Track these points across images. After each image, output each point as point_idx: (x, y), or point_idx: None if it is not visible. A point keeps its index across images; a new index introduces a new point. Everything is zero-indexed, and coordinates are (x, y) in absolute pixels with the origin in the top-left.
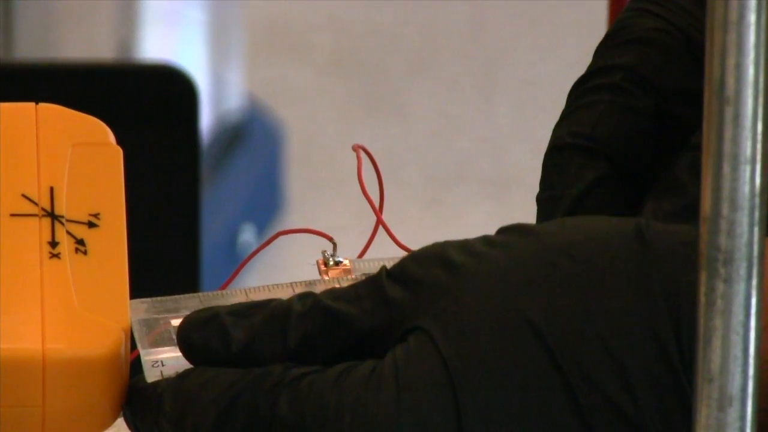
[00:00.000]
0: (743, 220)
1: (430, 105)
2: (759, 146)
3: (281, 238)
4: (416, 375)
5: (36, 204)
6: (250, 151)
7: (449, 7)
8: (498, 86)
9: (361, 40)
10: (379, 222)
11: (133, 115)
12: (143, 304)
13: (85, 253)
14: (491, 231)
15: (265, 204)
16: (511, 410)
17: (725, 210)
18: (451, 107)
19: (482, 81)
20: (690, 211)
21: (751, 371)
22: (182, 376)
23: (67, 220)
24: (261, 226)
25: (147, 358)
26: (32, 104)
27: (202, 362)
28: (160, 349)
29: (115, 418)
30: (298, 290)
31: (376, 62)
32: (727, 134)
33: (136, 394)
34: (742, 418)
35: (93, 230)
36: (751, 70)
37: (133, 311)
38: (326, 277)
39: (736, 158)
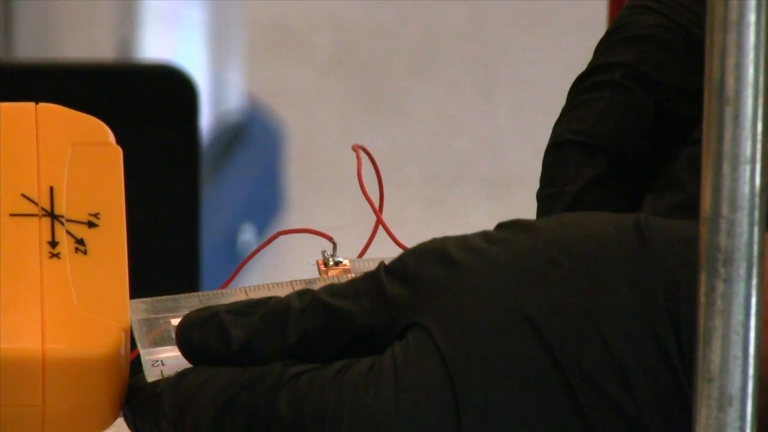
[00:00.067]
0: (743, 219)
1: (430, 105)
2: (759, 146)
3: (281, 238)
4: (415, 373)
5: (36, 204)
6: (250, 151)
7: (449, 7)
8: (498, 86)
9: (361, 40)
10: (379, 222)
11: (133, 115)
12: (143, 303)
13: (85, 252)
14: None
15: (265, 204)
16: (511, 409)
17: (725, 210)
18: (451, 107)
19: (482, 81)
20: (689, 206)
21: (751, 371)
22: (181, 376)
23: (67, 220)
24: (261, 226)
25: (147, 357)
26: (32, 104)
27: (201, 361)
28: (160, 348)
29: (115, 418)
30: (298, 289)
31: (376, 62)
32: (727, 134)
33: (135, 393)
34: (742, 418)
35: (93, 230)
36: (750, 70)
37: (133, 311)
38: (326, 277)
39: (736, 158)
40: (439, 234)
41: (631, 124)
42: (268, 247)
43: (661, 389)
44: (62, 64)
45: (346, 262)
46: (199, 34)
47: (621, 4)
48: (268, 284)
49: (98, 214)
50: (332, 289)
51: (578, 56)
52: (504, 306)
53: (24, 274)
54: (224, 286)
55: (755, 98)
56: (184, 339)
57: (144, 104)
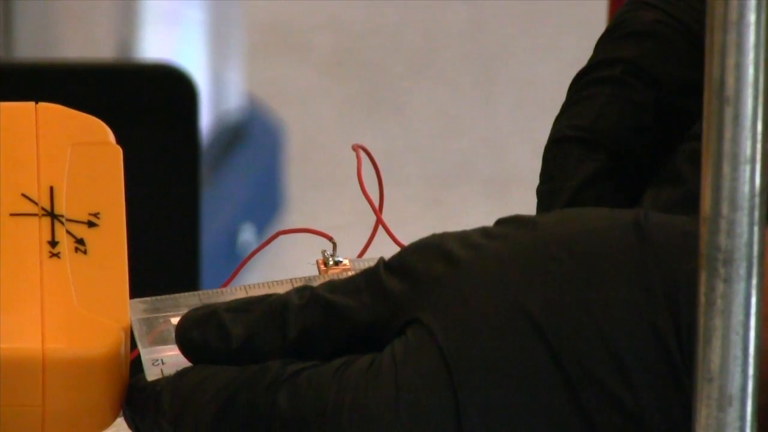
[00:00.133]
0: (743, 219)
1: (430, 105)
2: (759, 146)
3: (281, 237)
4: (415, 370)
5: (36, 203)
6: (250, 151)
7: (449, 8)
8: (498, 86)
9: (361, 40)
10: (379, 222)
11: (133, 115)
12: (143, 303)
13: (85, 252)
14: None
15: (264, 204)
16: (511, 406)
17: (725, 210)
18: (451, 107)
19: (482, 81)
20: (689, 201)
21: (750, 371)
22: (181, 375)
23: (67, 220)
24: (261, 225)
25: (147, 356)
26: (32, 104)
27: (201, 360)
28: (160, 347)
29: (115, 418)
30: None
31: (377, 62)
32: (727, 134)
33: (135, 393)
34: (742, 417)
35: (93, 230)
36: (750, 70)
37: (133, 311)
38: (326, 277)
39: (735, 158)
40: None
41: (631, 120)
42: (268, 247)
43: (661, 384)
44: (62, 64)
45: (346, 261)
46: (199, 34)
47: (621, 5)
48: (267, 282)
49: (98, 213)
50: (332, 286)
51: (578, 56)
52: (504, 302)
53: (24, 273)
54: (224, 285)
55: (755, 98)
56: (183, 338)
57: (144, 104)
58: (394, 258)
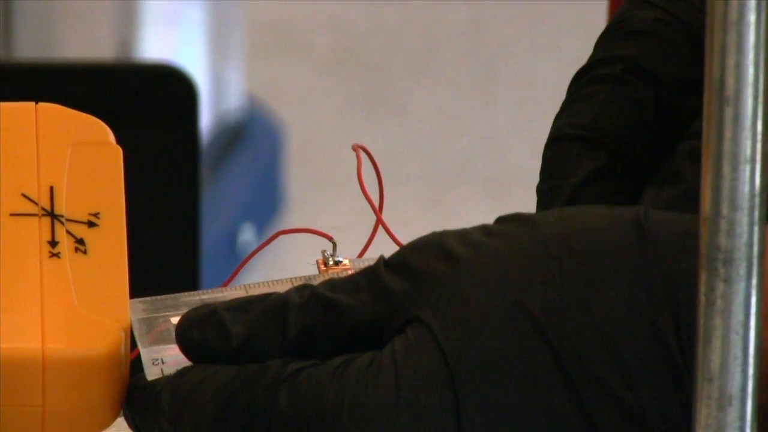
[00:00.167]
0: (743, 219)
1: (430, 105)
2: (759, 146)
3: (281, 237)
4: (415, 368)
5: (36, 203)
6: (250, 151)
7: (449, 7)
8: (498, 86)
9: (361, 40)
10: (379, 222)
11: (133, 115)
12: (143, 303)
13: (84, 252)
14: None
15: (264, 204)
16: (511, 404)
17: (725, 210)
18: (451, 107)
19: (482, 81)
20: (689, 199)
21: (750, 371)
22: (180, 374)
23: (67, 220)
24: (261, 225)
25: (147, 356)
26: (32, 104)
27: (201, 359)
28: (160, 347)
29: (115, 418)
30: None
31: (377, 62)
32: (727, 134)
33: (135, 393)
34: (742, 417)
35: (93, 230)
36: (750, 70)
37: (133, 310)
38: (326, 276)
39: (735, 158)
40: None
41: (632, 118)
42: (268, 247)
43: (661, 384)
44: (62, 64)
45: (346, 261)
46: (199, 34)
47: (621, 3)
48: (267, 282)
49: (98, 213)
50: (332, 284)
51: (578, 56)
52: (504, 300)
53: (24, 273)
54: (224, 285)
55: (755, 98)
56: (183, 337)
57: (144, 104)
58: (394, 256)
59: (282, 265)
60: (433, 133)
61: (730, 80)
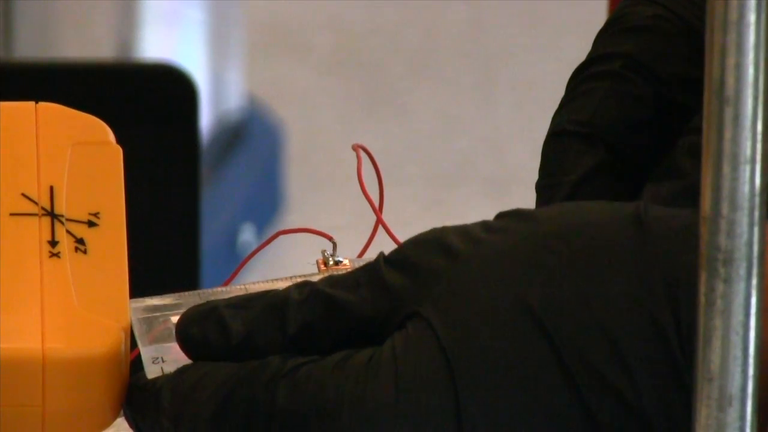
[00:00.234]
0: (743, 220)
1: (430, 105)
2: (759, 146)
3: (281, 237)
4: (415, 363)
5: (36, 203)
6: (250, 151)
7: (449, 7)
8: (498, 86)
9: (361, 40)
10: (379, 222)
11: (133, 115)
12: (143, 303)
13: (84, 252)
14: None
15: (264, 204)
16: (511, 399)
17: (725, 210)
18: (451, 107)
19: (482, 81)
20: (689, 194)
21: (750, 371)
22: (180, 372)
23: (67, 220)
24: (261, 225)
25: (147, 354)
26: (32, 103)
27: (202, 357)
28: (160, 346)
29: (115, 418)
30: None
31: (377, 62)
32: (727, 134)
33: (135, 391)
34: (742, 417)
35: (93, 229)
36: (750, 70)
37: (133, 310)
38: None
39: (735, 158)
40: None
41: (631, 114)
42: (268, 247)
43: (661, 378)
44: (62, 63)
45: (346, 261)
46: (199, 33)
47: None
48: (267, 281)
49: (98, 213)
50: (332, 280)
51: (578, 56)
52: (503, 295)
53: (24, 273)
54: (224, 285)
55: (755, 98)
56: (183, 335)
57: (144, 104)
58: (394, 252)
59: (282, 265)
60: (433, 133)
61: (730, 80)
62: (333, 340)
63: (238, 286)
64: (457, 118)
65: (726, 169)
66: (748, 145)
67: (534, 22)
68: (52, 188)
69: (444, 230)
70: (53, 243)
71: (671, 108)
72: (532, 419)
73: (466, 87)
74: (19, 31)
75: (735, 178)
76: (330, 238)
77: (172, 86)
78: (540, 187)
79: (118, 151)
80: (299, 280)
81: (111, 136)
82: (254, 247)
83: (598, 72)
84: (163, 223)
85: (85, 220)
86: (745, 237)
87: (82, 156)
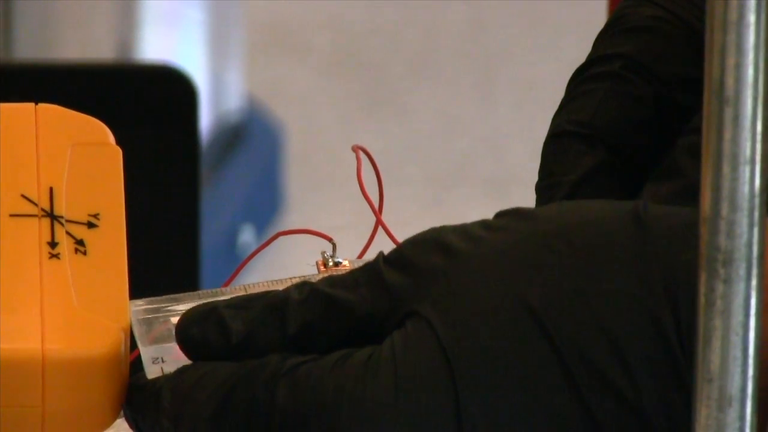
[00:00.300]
0: (743, 220)
1: (430, 105)
2: (758, 146)
3: (281, 238)
4: (414, 362)
5: (35, 204)
6: (250, 152)
7: (449, 7)
8: (498, 86)
9: (361, 40)
10: (379, 222)
11: (133, 116)
12: (143, 303)
13: (84, 253)
14: None
15: (264, 204)
16: (511, 398)
17: (725, 210)
18: (451, 107)
19: (482, 81)
20: (688, 194)
21: (750, 372)
22: (180, 372)
23: (67, 221)
24: (260, 226)
25: (147, 355)
26: (32, 104)
27: (202, 357)
28: (160, 346)
29: (115, 418)
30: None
31: (377, 62)
32: (727, 135)
33: (135, 392)
34: (742, 418)
35: (92, 230)
36: (750, 71)
37: (133, 311)
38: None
39: (735, 159)
40: None
41: (630, 115)
42: (267, 248)
43: (660, 376)
44: (62, 64)
45: (345, 262)
46: (199, 34)
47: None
48: (267, 281)
49: (98, 214)
50: (331, 280)
51: (578, 56)
52: (503, 294)
53: (24, 274)
54: (224, 286)
55: (755, 99)
56: (183, 335)
57: (143, 104)
58: (394, 252)
59: (282, 266)
60: (433, 133)
61: (729, 81)
62: (333, 340)
63: (238, 287)
64: (457, 118)
65: (726, 169)
66: (748, 146)
67: (534, 22)
68: (51, 189)
69: (443, 229)
70: (53, 244)
71: (671, 108)
72: (532, 419)
73: (466, 87)
74: (19, 31)
75: (735, 179)
76: (329, 239)
77: (171, 87)
78: (540, 188)
79: (118, 152)
80: (298, 278)
81: (110, 137)
82: (254, 247)
83: (598, 73)
84: (163, 223)
85: (85, 221)
86: (744, 237)
87: (81, 157)
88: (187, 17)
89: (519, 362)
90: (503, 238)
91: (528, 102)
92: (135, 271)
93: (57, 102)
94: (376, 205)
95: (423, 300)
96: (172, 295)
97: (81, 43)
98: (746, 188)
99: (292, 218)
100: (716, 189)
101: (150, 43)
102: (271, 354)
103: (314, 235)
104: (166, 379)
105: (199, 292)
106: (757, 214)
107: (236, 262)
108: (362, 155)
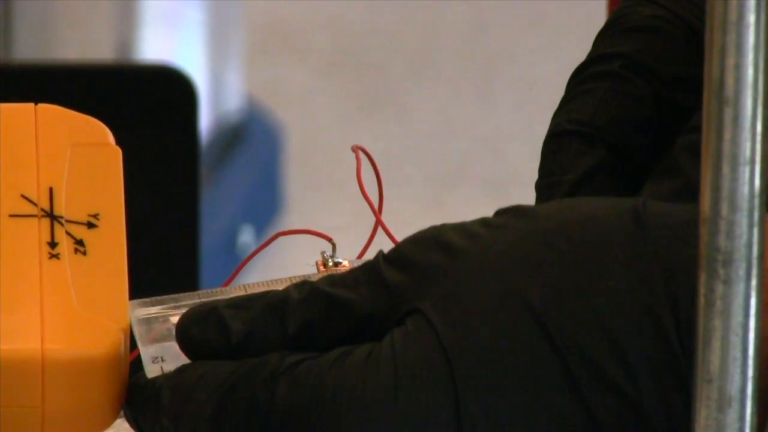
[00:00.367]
0: (742, 221)
1: (430, 105)
2: (758, 147)
3: (280, 239)
4: (414, 359)
5: (35, 204)
6: (250, 152)
7: (449, 8)
8: (498, 86)
9: (361, 40)
10: (379, 223)
11: (132, 116)
12: (143, 303)
13: (84, 253)
14: None
15: (264, 205)
16: (511, 395)
17: (724, 211)
18: (451, 107)
19: (482, 81)
20: (688, 192)
21: (750, 372)
22: (180, 371)
23: (67, 221)
24: (260, 226)
25: (147, 354)
26: (31, 105)
27: (202, 357)
28: (160, 345)
29: (114, 418)
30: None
31: (376, 62)
32: (727, 135)
33: (135, 391)
34: (742, 419)
35: (92, 231)
36: (750, 71)
37: (133, 311)
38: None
39: (735, 159)
40: None
41: (630, 114)
42: (267, 248)
43: (660, 374)
44: (62, 64)
45: (345, 263)
46: (199, 34)
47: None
48: (267, 281)
49: (98, 214)
50: (331, 279)
51: (578, 56)
52: (503, 293)
53: (24, 274)
54: (224, 286)
55: (754, 99)
56: (183, 335)
57: (143, 105)
58: (393, 250)
59: (281, 266)
60: (433, 134)
61: (729, 81)
62: (333, 339)
63: (238, 287)
64: (456, 119)
65: (725, 169)
66: (748, 146)
67: (534, 23)
68: (51, 189)
69: (443, 227)
70: (53, 244)
71: (671, 108)
72: (532, 418)
73: (466, 87)
74: (19, 32)
75: (734, 179)
76: (329, 239)
77: (171, 87)
78: (540, 187)
79: (118, 153)
80: (298, 278)
81: (110, 138)
82: (254, 248)
83: (598, 72)
84: (162, 223)
85: (85, 221)
86: (744, 238)
87: (81, 157)
88: (186, 17)
89: (519, 362)
90: (503, 236)
91: (528, 102)
92: (135, 271)
93: (57, 102)
94: (376, 206)
95: (423, 298)
96: (172, 295)
97: (81, 43)
98: (746, 188)
99: (291, 218)
100: (716, 189)
101: (150, 44)
102: (272, 352)
103: (314, 236)
104: (165, 378)
105: (199, 292)
106: (756, 214)
107: (236, 263)
108: (362, 155)
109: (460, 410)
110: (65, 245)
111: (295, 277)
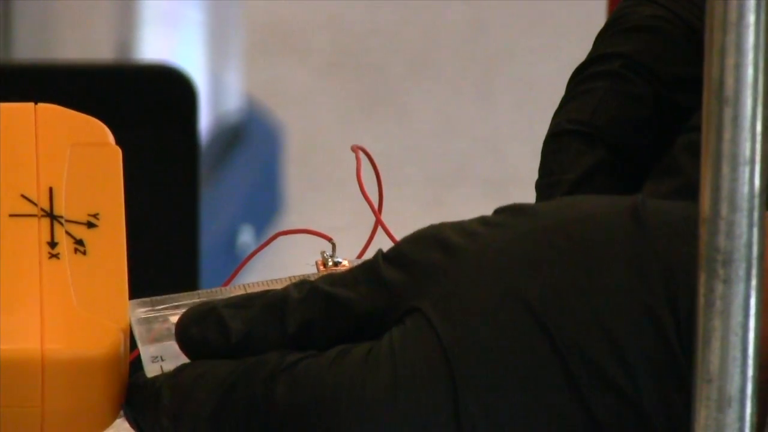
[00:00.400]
0: (742, 221)
1: (430, 105)
2: (758, 147)
3: (280, 238)
4: (413, 358)
5: (35, 204)
6: (249, 152)
7: (449, 8)
8: (498, 86)
9: (361, 40)
10: (378, 223)
11: (132, 116)
12: (143, 303)
13: (84, 253)
14: None
15: (264, 205)
16: (511, 395)
17: (724, 211)
18: (451, 107)
19: (482, 81)
20: (688, 192)
21: (750, 372)
22: (180, 370)
23: (66, 221)
24: (260, 226)
25: (147, 354)
26: (31, 104)
27: (201, 356)
28: (160, 345)
29: (114, 418)
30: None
31: (376, 62)
32: (726, 135)
33: (135, 391)
34: (741, 419)
35: (92, 230)
36: (750, 71)
37: (133, 311)
38: None
39: (735, 159)
40: None
41: (630, 114)
42: (267, 248)
43: (660, 374)
44: (62, 64)
45: (345, 262)
46: (198, 34)
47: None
48: (267, 281)
49: (97, 214)
50: (331, 278)
51: (578, 56)
52: (502, 292)
53: (23, 274)
54: (224, 286)
55: (754, 99)
56: (183, 335)
57: (143, 105)
58: (392, 249)
59: (281, 266)
60: (433, 134)
61: (729, 81)
62: (332, 338)
63: (237, 287)
64: (456, 119)
65: (725, 169)
66: (748, 146)
67: (534, 23)
68: (51, 189)
69: (441, 226)
70: (52, 244)
71: (671, 108)
72: (532, 418)
73: (466, 87)
74: (19, 31)
75: (734, 179)
76: (329, 239)
77: (171, 87)
78: (540, 186)
79: (117, 152)
80: (297, 277)
81: (110, 137)
82: (253, 248)
83: (598, 72)
84: (162, 223)
85: (85, 221)
86: (744, 238)
87: (81, 157)
88: (186, 17)
89: (519, 362)
90: (502, 235)
91: (528, 102)
92: (135, 271)
93: (57, 102)
94: (376, 206)
95: (422, 297)
96: (171, 295)
97: (81, 43)
98: (746, 188)
99: (291, 218)
100: (716, 189)
101: (149, 44)
102: (271, 351)
103: (314, 235)
104: (165, 377)
105: (199, 291)
106: (756, 214)
107: (236, 262)
108: (362, 155)
109: (460, 410)
110: (65, 245)
111: (294, 276)
